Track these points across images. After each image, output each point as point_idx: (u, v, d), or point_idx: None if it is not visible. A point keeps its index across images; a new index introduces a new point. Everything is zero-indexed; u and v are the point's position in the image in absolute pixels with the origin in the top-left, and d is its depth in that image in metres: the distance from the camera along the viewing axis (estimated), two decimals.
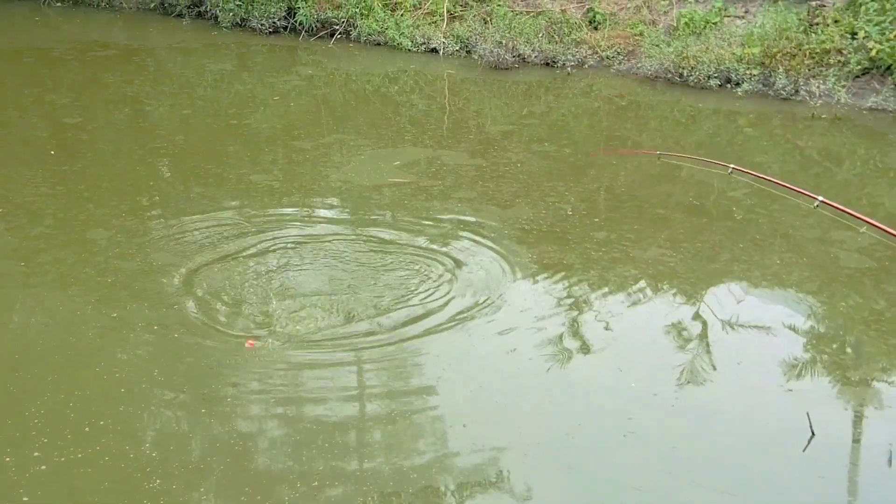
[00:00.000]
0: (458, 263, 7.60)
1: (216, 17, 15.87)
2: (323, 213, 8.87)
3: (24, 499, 4.87)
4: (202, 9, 16.12)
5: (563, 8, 14.39)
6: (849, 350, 6.52)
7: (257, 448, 5.34)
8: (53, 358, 6.20)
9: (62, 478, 5.03)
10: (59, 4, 17.15)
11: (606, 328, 6.73)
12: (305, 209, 8.89)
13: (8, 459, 5.15)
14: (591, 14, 14.31)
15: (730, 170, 5.82)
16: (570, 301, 7.10)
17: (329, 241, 8.12)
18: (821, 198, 4.75)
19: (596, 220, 8.53)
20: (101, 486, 4.97)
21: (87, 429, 5.43)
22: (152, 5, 16.69)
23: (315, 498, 4.97)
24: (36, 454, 5.20)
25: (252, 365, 6.12)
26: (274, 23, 15.47)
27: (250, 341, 6.25)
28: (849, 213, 4.67)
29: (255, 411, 5.66)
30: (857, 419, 5.77)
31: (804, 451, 5.41)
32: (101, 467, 5.13)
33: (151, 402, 5.72)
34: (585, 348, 6.44)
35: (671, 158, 7.23)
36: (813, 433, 5.50)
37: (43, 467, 5.10)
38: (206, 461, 5.22)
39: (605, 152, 7.95)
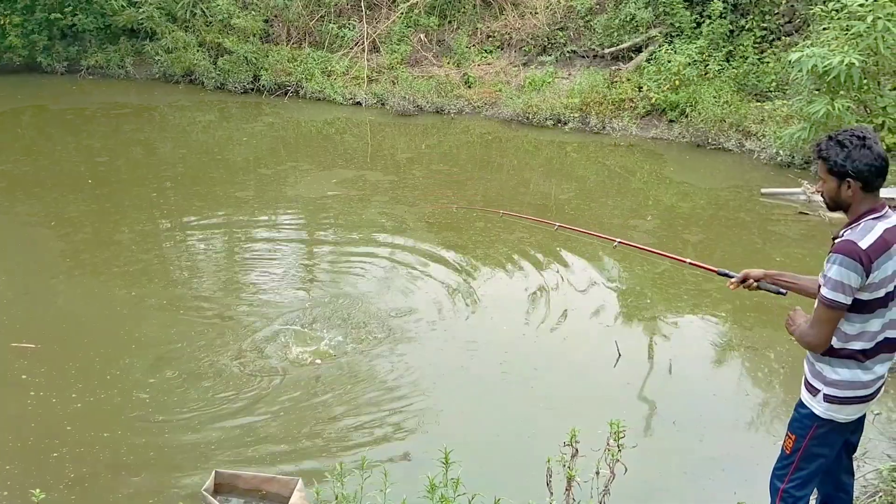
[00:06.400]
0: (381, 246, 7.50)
1: (203, 83, 15.28)
2: (284, 215, 8.65)
3: (68, 428, 4.60)
4: (193, 77, 15.49)
5: (446, 73, 14.27)
6: (643, 298, 6.61)
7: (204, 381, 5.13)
8: (88, 326, 5.90)
9: (92, 412, 4.77)
10: (90, 77, 16.24)
11: (486, 288, 6.69)
12: (272, 212, 8.67)
13: (54, 400, 4.88)
14: (465, 77, 14.22)
15: (556, 227, 5.80)
16: (464, 269, 7.07)
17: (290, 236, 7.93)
18: (618, 240, 4.73)
19: (475, 215, 8.46)
20: (119, 419, 4.72)
21: (108, 377, 5.16)
22: (157, 76, 15.98)
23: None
24: (73, 395, 4.92)
25: (228, 332, 5.89)
26: (244, 86, 14.96)
27: None
28: (641, 248, 4.80)
29: (224, 358, 5.44)
30: (649, 344, 5.86)
31: (614, 366, 5.48)
32: (117, 405, 4.88)
33: (157, 357, 5.45)
34: (474, 302, 6.40)
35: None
36: (620, 355, 5.57)
37: (78, 405, 4.83)
38: (190, 405, 5.00)
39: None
